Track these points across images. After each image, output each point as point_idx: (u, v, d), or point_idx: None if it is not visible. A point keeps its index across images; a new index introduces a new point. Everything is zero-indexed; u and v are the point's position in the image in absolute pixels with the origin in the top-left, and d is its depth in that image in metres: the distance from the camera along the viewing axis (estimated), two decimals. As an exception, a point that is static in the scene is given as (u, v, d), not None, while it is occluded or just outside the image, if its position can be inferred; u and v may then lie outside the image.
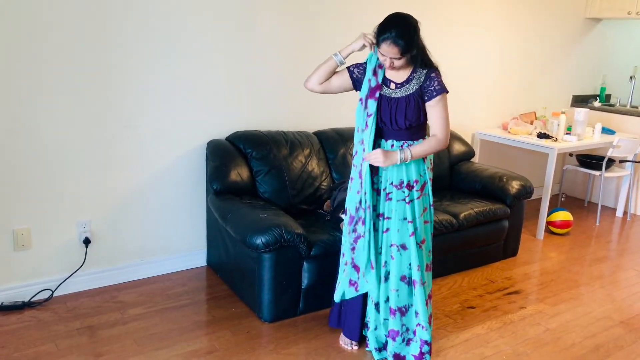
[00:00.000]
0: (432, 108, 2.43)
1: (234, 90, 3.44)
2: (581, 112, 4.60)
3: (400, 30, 2.28)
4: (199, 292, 3.25)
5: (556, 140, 4.44)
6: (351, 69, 2.55)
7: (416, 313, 2.54)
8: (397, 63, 2.36)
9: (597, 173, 4.81)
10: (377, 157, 2.40)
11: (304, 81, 2.59)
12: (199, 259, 3.57)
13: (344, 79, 2.56)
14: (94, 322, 2.85)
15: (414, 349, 2.58)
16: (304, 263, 2.92)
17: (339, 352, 2.70)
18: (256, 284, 2.90)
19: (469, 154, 4.33)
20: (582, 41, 5.39)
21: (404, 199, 2.49)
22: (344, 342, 2.76)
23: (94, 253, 3.19)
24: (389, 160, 2.41)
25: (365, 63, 2.52)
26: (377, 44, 2.34)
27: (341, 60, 2.51)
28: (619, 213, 5.12)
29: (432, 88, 2.39)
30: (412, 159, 2.44)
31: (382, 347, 2.66)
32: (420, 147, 2.45)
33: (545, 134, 4.51)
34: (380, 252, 2.56)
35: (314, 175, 3.48)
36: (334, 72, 2.55)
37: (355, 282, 2.63)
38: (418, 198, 2.50)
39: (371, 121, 2.46)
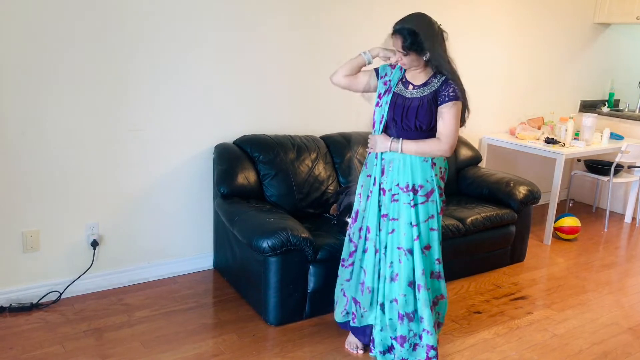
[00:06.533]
0: (442, 113, 2.45)
1: (241, 95, 3.46)
2: (589, 118, 4.58)
3: (409, 25, 2.34)
4: (206, 295, 3.26)
5: (564, 145, 4.42)
6: (377, 71, 2.60)
7: (421, 318, 2.54)
8: (405, 60, 2.39)
9: (605, 179, 4.79)
10: (372, 142, 2.53)
11: (330, 75, 2.63)
12: (206, 262, 3.58)
13: (372, 78, 2.60)
14: (100, 324, 2.87)
15: (420, 354, 2.58)
16: (310, 267, 2.93)
17: (345, 357, 2.70)
18: (262, 287, 2.90)
19: (476, 159, 4.32)
20: (591, 46, 5.38)
21: (409, 203, 2.49)
22: (350, 346, 2.76)
23: (102, 255, 3.21)
24: (380, 144, 2.50)
25: (378, 68, 2.60)
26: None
27: (369, 59, 2.56)
28: (628, 219, 5.09)
29: (446, 93, 2.42)
30: (402, 152, 2.47)
31: (386, 350, 2.65)
32: (415, 143, 2.46)
33: (552, 139, 4.49)
34: (385, 254, 2.56)
35: (321, 179, 3.49)
36: (360, 69, 2.60)
37: (354, 314, 2.70)
38: (422, 203, 2.50)
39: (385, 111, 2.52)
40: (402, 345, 2.57)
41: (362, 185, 2.63)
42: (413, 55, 2.38)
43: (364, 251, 2.62)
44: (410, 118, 2.45)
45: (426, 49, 2.36)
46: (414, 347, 2.59)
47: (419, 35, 2.33)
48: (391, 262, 2.54)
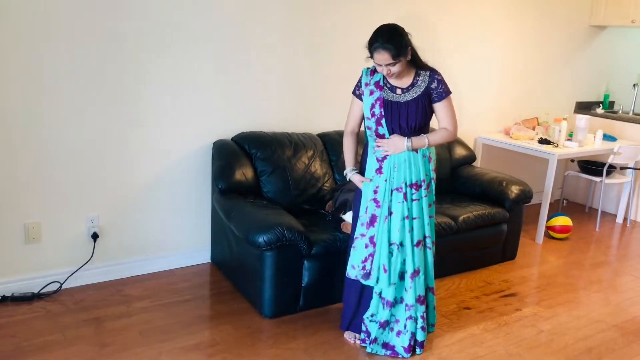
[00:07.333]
0: (442, 108, 2.58)
1: (240, 92, 3.53)
2: (582, 119, 4.65)
3: (386, 36, 2.41)
4: (203, 287, 3.33)
5: (557, 146, 4.49)
6: (357, 93, 2.66)
7: (407, 306, 2.63)
8: (394, 69, 2.45)
9: (598, 179, 4.86)
10: (386, 146, 2.57)
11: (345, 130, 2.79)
12: (203, 256, 3.66)
13: (360, 105, 2.66)
14: (100, 314, 2.95)
15: (403, 341, 2.67)
16: (305, 261, 3.00)
17: (336, 348, 2.77)
18: (258, 281, 2.98)
19: (471, 158, 4.39)
20: (587, 48, 5.44)
21: (402, 200, 2.57)
22: (349, 342, 2.81)
23: (102, 248, 3.28)
24: (396, 148, 2.55)
25: (361, 78, 2.64)
26: (371, 55, 2.46)
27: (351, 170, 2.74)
28: (619, 219, 5.16)
29: (441, 90, 2.54)
30: (413, 148, 2.54)
31: (382, 347, 2.72)
32: (431, 136, 2.57)
33: (546, 139, 4.56)
34: (378, 252, 2.63)
35: (317, 176, 3.56)
36: (360, 120, 2.71)
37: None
38: (414, 200, 2.59)
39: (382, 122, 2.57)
40: (396, 343, 2.68)
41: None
42: (400, 62, 2.44)
43: (353, 246, 2.71)
44: (402, 122, 2.53)
45: (404, 49, 2.44)
46: (398, 333, 2.68)
47: (399, 41, 2.40)
48: (384, 264, 2.62)
